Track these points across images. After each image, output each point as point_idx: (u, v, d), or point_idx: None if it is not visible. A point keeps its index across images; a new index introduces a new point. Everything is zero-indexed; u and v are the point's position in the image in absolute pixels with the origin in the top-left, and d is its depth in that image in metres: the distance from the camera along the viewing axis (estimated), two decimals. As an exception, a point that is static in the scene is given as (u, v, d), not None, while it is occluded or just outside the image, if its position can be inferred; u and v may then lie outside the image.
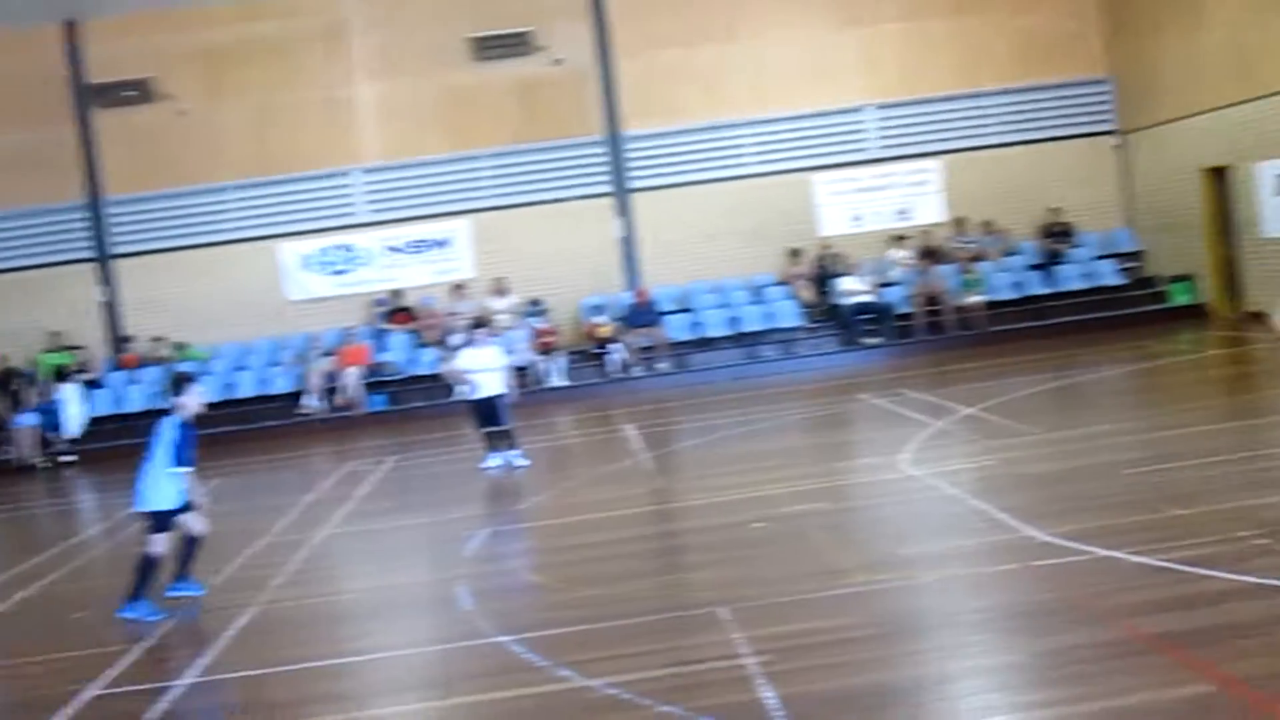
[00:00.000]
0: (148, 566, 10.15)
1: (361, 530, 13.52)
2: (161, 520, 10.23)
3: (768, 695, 6.80)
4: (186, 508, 10.35)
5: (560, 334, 25.30)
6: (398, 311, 25.95)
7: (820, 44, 26.25)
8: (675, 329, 25.24)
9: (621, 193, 26.35)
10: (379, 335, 25.53)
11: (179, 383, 10.60)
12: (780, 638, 7.82)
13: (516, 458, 15.79)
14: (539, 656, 7.93)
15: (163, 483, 10.20)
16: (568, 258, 26.03)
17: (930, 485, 12.00)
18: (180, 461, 10.12)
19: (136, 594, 10.10)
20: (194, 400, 10.45)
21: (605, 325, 25.02)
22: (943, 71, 26.23)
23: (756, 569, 9.67)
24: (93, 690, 8.29)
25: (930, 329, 24.78)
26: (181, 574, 10.56)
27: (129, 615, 10.05)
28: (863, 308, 24.81)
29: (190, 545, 10.55)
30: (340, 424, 23.65)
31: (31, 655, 9.60)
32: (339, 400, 24.21)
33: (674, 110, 26.22)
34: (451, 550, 11.51)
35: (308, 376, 24.34)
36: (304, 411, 24.17)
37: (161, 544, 10.19)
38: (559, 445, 19.61)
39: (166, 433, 10.24)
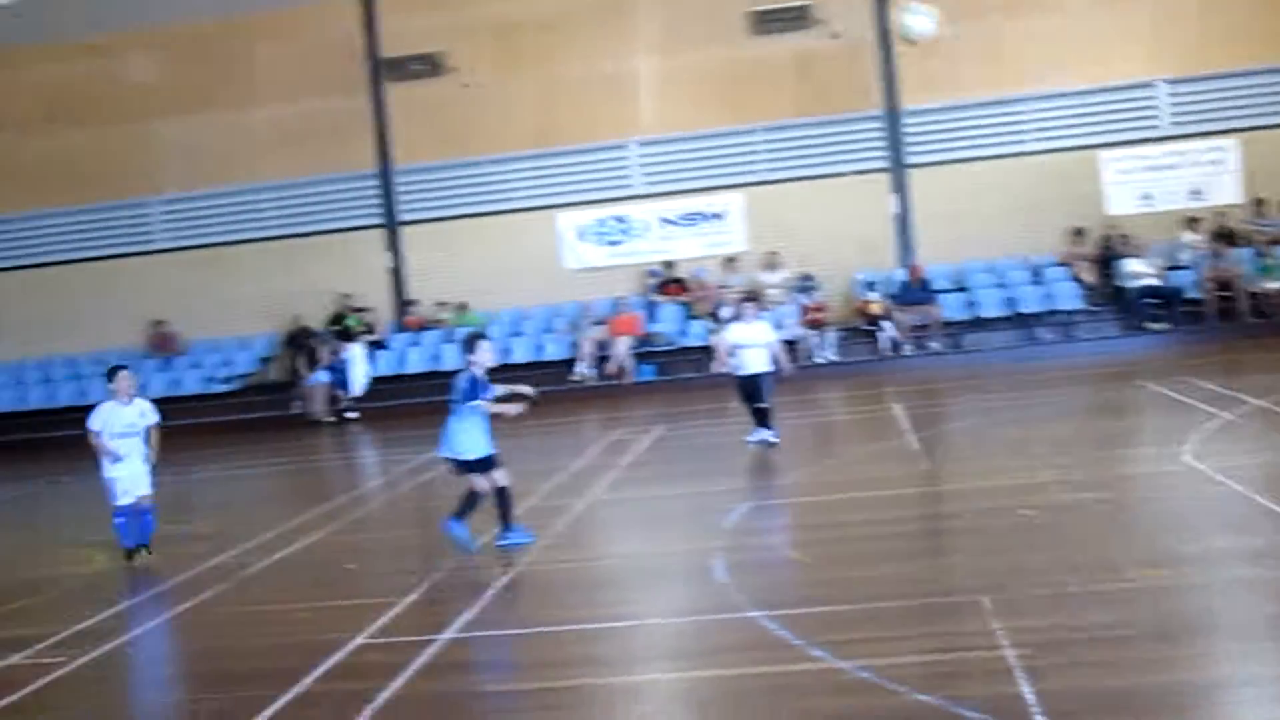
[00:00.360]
0: (472, 498, 11.02)
1: (625, 498, 13.73)
2: (467, 466, 11.00)
3: (1026, 690, 6.57)
4: (491, 460, 11.00)
5: (831, 310, 25.09)
6: (670, 283, 26.20)
7: (1107, 16, 25.21)
8: (949, 308, 24.74)
9: (898, 168, 25.94)
10: (650, 306, 25.85)
11: (471, 341, 11.27)
12: (1043, 631, 7.54)
13: (770, 435, 15.70)
14: (792, 634, 7.87)
15: (463, 431, 10.94)
16: (841, 233, 25.77)
17: (1214, 480, 11.39)
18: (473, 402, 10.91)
19: (461, 515, 10.99)
20: (485, 356, 11.16)
21: (877, 302, 24.72)
22: (1239, 45, 24.80)
23: (1023, 558, 9.37)
24: (360, 639, 8.65)
25: (1222, 315, 23.62)
26: (505, 524, 11.13)
27: (451, 531, 10.96)
28: (1149, 291, 23.80)
29: (501, 496, 11.11)
30: (610, 392, 24.09)
31: (306, 601, 10.11)
32: (609, 369, 24.64)
33: (954, 85, 25.65)
34: (711, 522, 11.54)
35: (580, 344, 24.85)
36: (575, 378, 24.70)
37: (482, 482, 10.99)
38: (826, 422, 19.47)
39: (461, 385, 10.96)
